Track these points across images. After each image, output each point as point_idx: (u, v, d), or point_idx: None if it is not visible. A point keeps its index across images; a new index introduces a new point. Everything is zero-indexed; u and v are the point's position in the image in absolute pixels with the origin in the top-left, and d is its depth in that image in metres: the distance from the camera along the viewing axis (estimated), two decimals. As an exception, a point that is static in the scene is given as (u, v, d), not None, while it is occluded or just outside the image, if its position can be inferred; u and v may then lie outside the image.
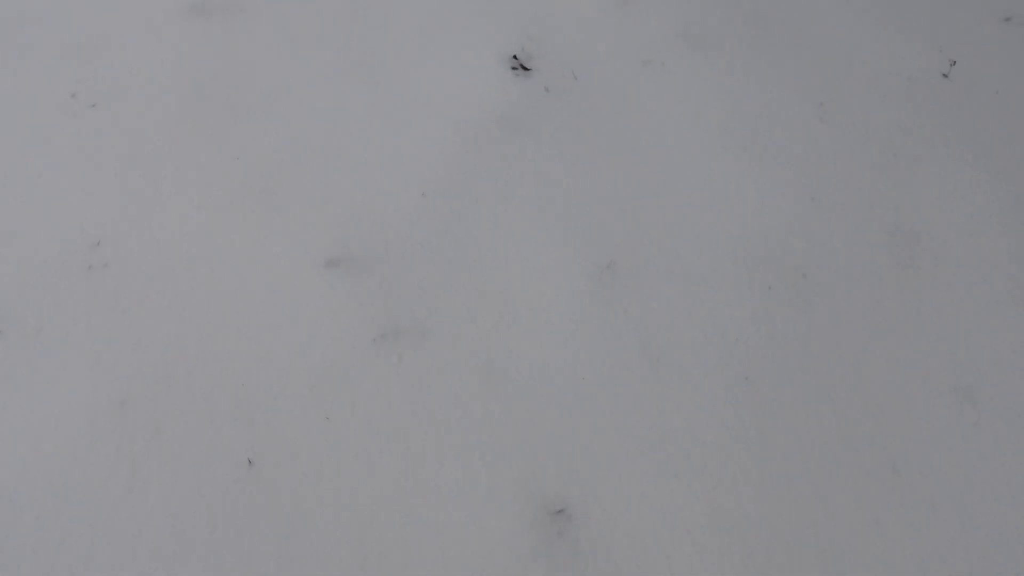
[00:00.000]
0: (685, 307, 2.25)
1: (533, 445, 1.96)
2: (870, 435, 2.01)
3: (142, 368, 2.06)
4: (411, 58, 2.94)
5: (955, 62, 3.04)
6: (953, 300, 2.28)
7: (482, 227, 2.41)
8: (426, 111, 2.73)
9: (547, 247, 2.37)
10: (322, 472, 1.90)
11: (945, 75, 3.00)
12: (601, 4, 3.26)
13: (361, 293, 2.23)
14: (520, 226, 2.43)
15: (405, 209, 2.45)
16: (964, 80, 2.99)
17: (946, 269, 2.37)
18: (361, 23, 3.07)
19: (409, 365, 2.10)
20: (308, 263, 2.29)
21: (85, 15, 3.03)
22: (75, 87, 2.82)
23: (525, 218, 2.45)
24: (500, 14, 3.15)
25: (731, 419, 2.02)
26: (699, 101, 2.89)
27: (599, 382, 2.08)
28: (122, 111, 2.69)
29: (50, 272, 2.24)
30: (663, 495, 1.90)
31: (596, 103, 2.84)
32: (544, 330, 2.17)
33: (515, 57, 2.97)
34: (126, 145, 2.57)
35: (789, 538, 1.85)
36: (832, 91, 2.95)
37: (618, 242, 2.40)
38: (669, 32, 3.17)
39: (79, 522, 1.81)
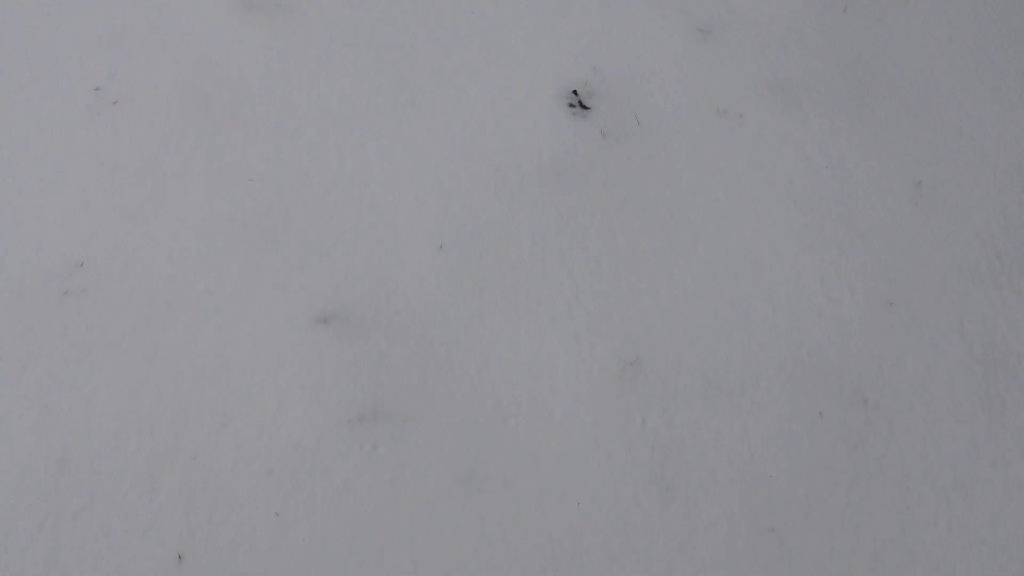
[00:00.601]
0: (713, 425, 1.89)
1: (508, 582, 1.65)
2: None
3: (89, 423, 1.82)
4: (458, 85, 2.61)
5: (1087, 152, 2.56)
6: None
7: (498, 296, 2.09)
8: (463, 150, 2.41)
9: (568, 330, 2.04)
10: (257, 583, 1.62)
11: (1072, 166, 2.53)
12: (681, 37, 2.86)
13: (347, 361, 1.94)
14: (543, 300, 2.10)
15: (417, 262, 2.14)
16: (1095, 175, 2.51)
17: (1044, 416, 1.95)
18: (411, 39, 2.76)
19: (383, 458, 1.80)
20: (298, 317, 2.01)
21: (127, 3, 2.79)
22: (102, 81, 2.59)
23: (551, 290, 2.12)
24: (566, 41, 2.79)
25: (746, 582, 1.67)
26: (774, 164, 2.49)
27: (597, 511, 1.75)
28: (143, 113, 2.46)
29: (24, 293, 2.02)
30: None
31: (656, 155, 2.47)
32: (544, 436, 1.85)
33: (575, 93, 2.62)
34: (138, 153, 2.35)
35: None
36: (933, 169, 2.50)
37: (650, 332, 2.05)
38: (754, 77, 2.76)
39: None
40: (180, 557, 1.66)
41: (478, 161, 2.41)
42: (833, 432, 1.89)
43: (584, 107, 2.60)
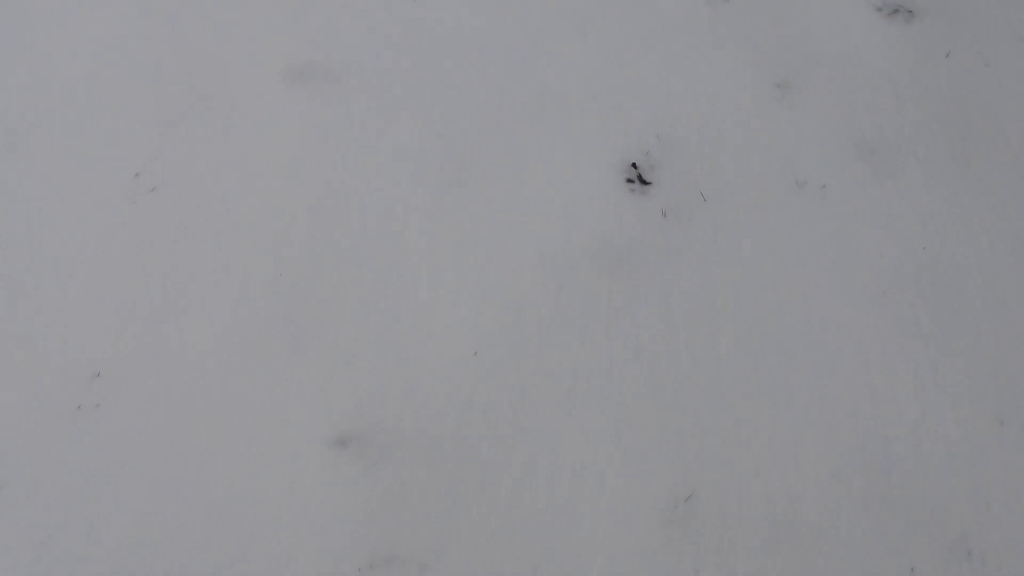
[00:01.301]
0: (782, 582, 1.57)
1: None
2: None
3: (86, 562, 1.65)
4: (507, 159, 2.38)
5: None
6: None
7: (537, 414, 1.83)
8: (508, 236, 2.17)
9: (614, 458, 1.77)
10: None
11: None
12: (755, 95, 2.54)
13: (364, 493, 1.73)
14: (587, 419, 1.83)
15: (449, 370, 1.91)
16: None
17: None
18: (461, 106, 2.55)
19: (396, 615, 1.56)
20: (315, 439, 1.81)
21: (179, 74, 2.67)
22: (144, 164, 2.46)
23: (596, 407, 1.85)
24: (627, 104, 2.51)
25: None
26: (862, 246, 2.15)
27: None
28: (180, 201, 2.31)
29: (38, 407, 1.88)
30: None
31: (723, 239, 2.16)
32: (580, 594, 1.57)
33: (634, 166, 2.33)
34: (170, 246, 2.20)
35: None
36: (1055, 249, 2.10)
37: (708, 460, 1.76)
38: (839, 140, 2.42)
39: None
40: None
41: (523, 249, 2.16)
42: (929, 595, 1.55)
43: (644, 182, 2.31)
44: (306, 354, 1.98)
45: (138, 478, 1.80)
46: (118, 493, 1.78)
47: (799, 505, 1.70)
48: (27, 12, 2.81)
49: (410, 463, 1.78)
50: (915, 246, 2.14)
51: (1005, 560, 1.61)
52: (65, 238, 2.23)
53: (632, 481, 1.75)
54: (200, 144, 2.49)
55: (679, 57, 2.71)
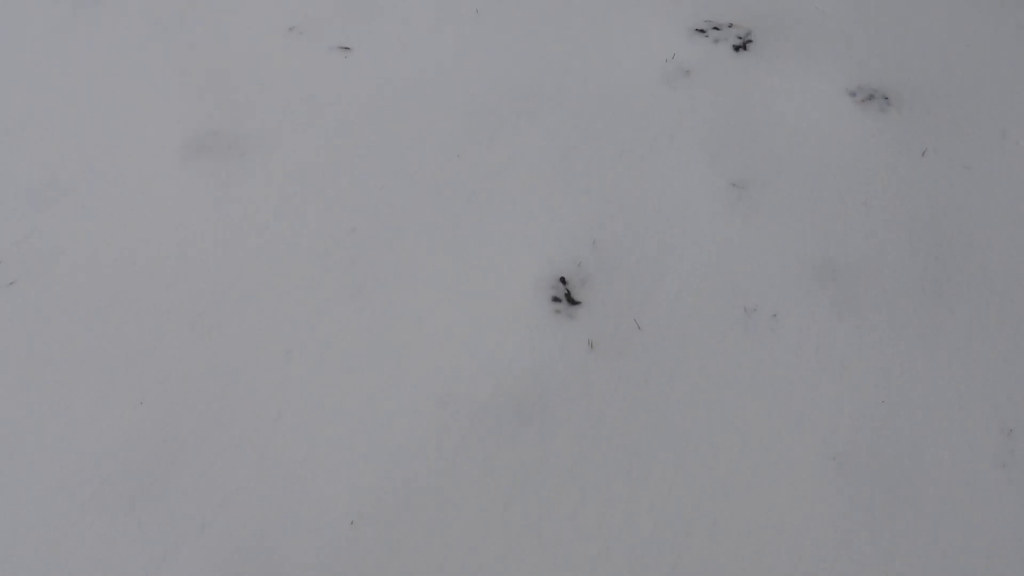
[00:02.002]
0: None
1: None
2: None
3: None
4: (418, 265, 2.07)
5: None
6: None
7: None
8: (404, 369, 1.84)
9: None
10: None
11: None
12: (708, 196, 2.23)
13: None
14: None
15: (317, 546, 1.57)
16: None
17: None
18: (380, 198, 2.25)
19: None
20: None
21: (68, 149, 2.33)
22: (14, 245, 2.11)
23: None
24: (565, 205, 2.20)
25: None
26: (813, 396, 1.84)
27: None
28: (34, 304, 1.97)
29: None
30: None
31: (657, 381, 1.85)
32: None
33: (563, 281, 2.01)
34: (18, 359, 1.84)
35: None
36: (1033, 413, 1.80)
37: None
38: (797, 258, 2.10)
39: None
40: None
41: (420, 388, 1.84)
42: None
43: (572, 302, 1.98)
44: (153, 512, 1.65)
45: None
46: None
47: None
48: None
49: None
50: (874, 399, 1.83)
51: None
52: None
53: None
54: (73, 230, 2.15)
55: (629, 146, 2.38)
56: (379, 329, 1.93)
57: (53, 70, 2.61)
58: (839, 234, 2.16)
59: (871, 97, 2.58)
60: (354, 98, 2.53)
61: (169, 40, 2.74)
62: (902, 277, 2.07)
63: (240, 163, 2.35)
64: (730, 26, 2.83)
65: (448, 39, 2.76)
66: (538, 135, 2.42)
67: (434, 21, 2.83)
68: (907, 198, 2.27)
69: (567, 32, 2.81)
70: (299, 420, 1.78)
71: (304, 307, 1.97)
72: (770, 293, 2.02)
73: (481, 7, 2.93)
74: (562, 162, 2.35)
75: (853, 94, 2.59)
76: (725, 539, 1.62)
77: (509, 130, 2.45)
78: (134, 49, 2.71)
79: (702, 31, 2.81)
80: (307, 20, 2.86)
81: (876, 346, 1.93)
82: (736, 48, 2.75)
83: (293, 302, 1.98)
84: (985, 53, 2.68)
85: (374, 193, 2.25)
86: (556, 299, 1.99)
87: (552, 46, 2.77)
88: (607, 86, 2.60)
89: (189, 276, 2.04)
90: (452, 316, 1.95)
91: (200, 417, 1.78)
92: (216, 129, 2.45)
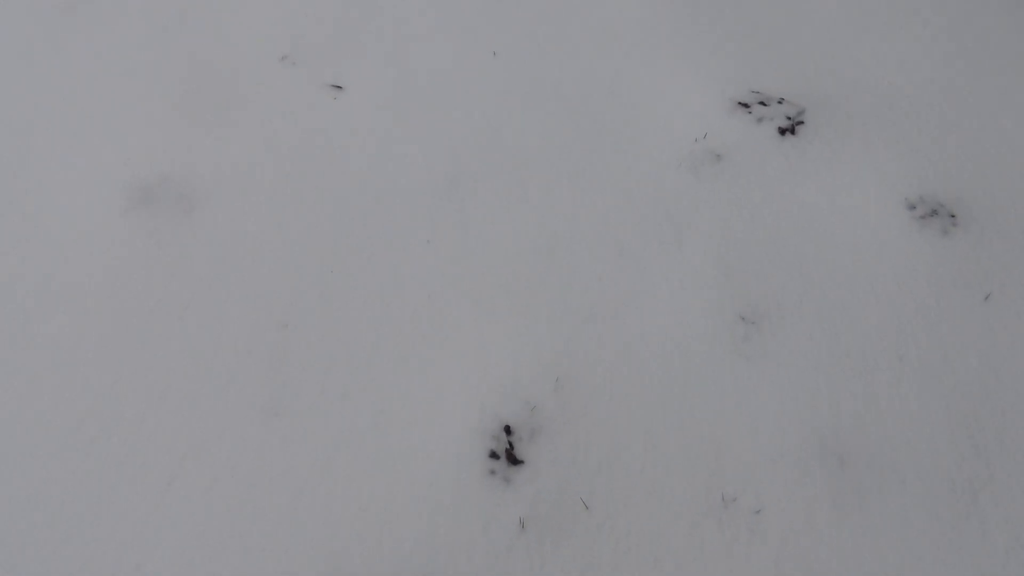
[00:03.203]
0: None
1: None
2: None
3: None
4: (342, 390, 1.70)
5: None
6: None
7: None
8: (289, 531, 1.49)
9: None
10: None
11: None
12: (710, 335, 1.80)
13: None
14: None
15: None
16: None
17: None
18: (318, 293, 1.86)
19: None
20: None
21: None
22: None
23: None
24: (532, 322, 1.81)
25: None
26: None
27: None
28: None
29: None
30: None
31: (594, 583, 1.45)
32: None
33: (507, 431, 1.63)
34: None
35: None
36: None
37: None
38: (800, 430, 1.68)
39: None
40: None
41: (305, 551, 1.49)
42: None
43: (513, 460, 1.60)
44: None
45: None
46: None
47: None
48: None
49: None
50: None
51: None
52: None
53: None
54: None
55: (629, 245, 1.98)
56: (282, 466, 1.58)
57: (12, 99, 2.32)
58: (858, 398, 1.71)
59: (934, 213, 2.09)
60: (330, 155, 2.18)
61: (148, 67, 2.41)
62: (929, 469, 1.61)
63: (183, 221, 2.02)
64: (780, 102, 2.35)
65: (454, 89, 2.36)
66: (523, 219, 2.02)
67: (445, 63, 2.44)
68: (955, 358, 1.80)
69: (590, 87, 2.38)
70: (163, 567, 1.45)
71: (205, 423, 1.63)
72: (757, 477, 1.59)
73: (500, 48, 2.51)
74: (545, 259, 1.95)
75: (913, 206, 2.10)
76: None
77: (490, 208, 2.05)
78: (108, 71, 2.40)
79: (746, 105, 2.34)
80: (303, 48, 2.50)
81: (883, 559, 1.48)
82: (782, 131, 2.28)
83: (193, 415, 1.65)
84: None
85: (318, 279, 1.89)
86: (494, 455, 1.61)
87: (569, 103, 2.35)
88: (620, 164, 2.17)
89: (81, 366, 1.72)
90: (366, 464, 1.58)
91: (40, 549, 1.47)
92: (169, 175, 2.12)
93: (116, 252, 1.95)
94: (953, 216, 2.08)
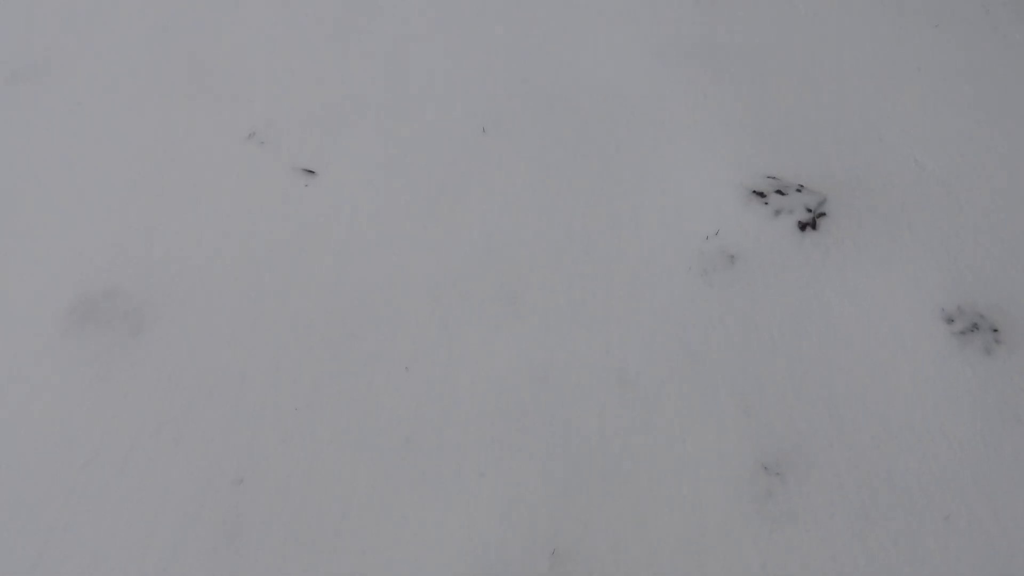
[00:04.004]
0: None
1: None
2: None
3: None
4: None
5: None
6: None
7: None
8: None
9: None
10: None
11: None
12: (726, 510, 1.52)
13: None
14: None
15: None
16: None
17: None
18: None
19: None
20: None
21: None
22: None
23: None
24: (510, 490, 1.52)
25: None
26: None
27: None
28: None
29: None
30: None
31: None
32: None
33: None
34: None
35: None
36: None
37: None
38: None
39: None
40: None
41: None
42: None
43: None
44: None
45: None
46: None
47: None
48: None
49: None
50: None
51: None
52: None
53: None
54: None
55: (639, 392, 1.70)
56: None
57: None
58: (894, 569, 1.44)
59: (974, 327, 1.83)
60: (298, 265, 1.89)
61: (95, 149, 2.13)
62: None
63: (128, 346, 1.75)
64: (799, 189, 2.08)
65: (442, 178, 2.09)
66: (514, 340, 1.76)
67: (432, 143, 2.16)
68: (1008, 516, 1.53)
69: (588, 166, 2.11)
70: None
71: None
72: None
73: (489, 124, 2.24)
74: (539, 390, 1.67)
75: (951, 319, 1.84)
76: None
77: (477, 327, 1.79)
78: (54, 154, 2.13)
79: (761, 195, 2.07)
80: (275, 123, 2.22)
81: None
82: (802, 226, 2.01)
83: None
84: None
85: (281, 418, 1.63)
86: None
87: (564, 188, 2.07)
88: (623, 269, 1.91)
89: (4, 534, 1.45)
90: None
91: None
92: (116, 288, 1.85)
93: (51, 386, 1.67)
94: (995, 331, 1.82)
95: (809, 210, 2.05)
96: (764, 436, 1.63)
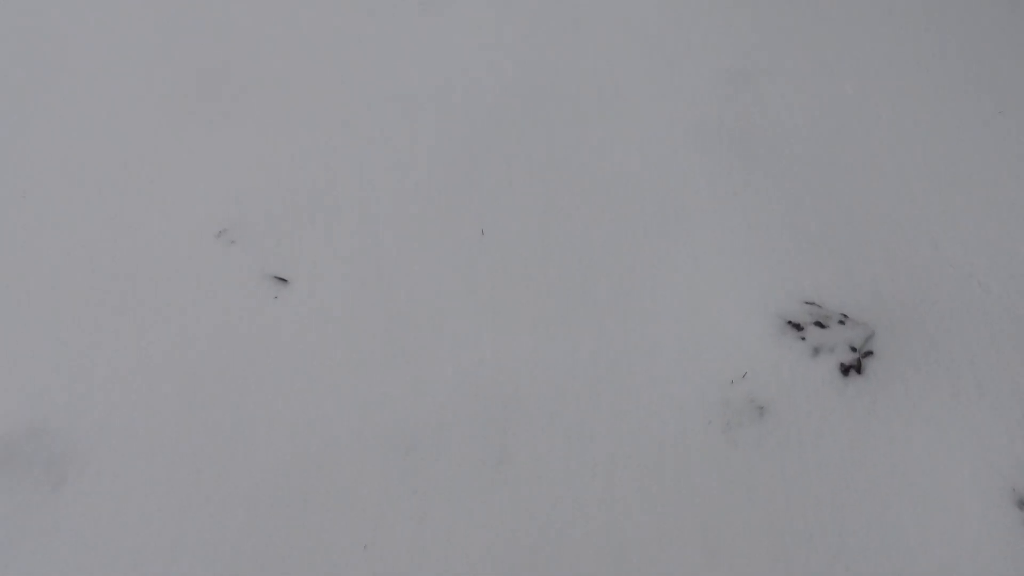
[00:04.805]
0: None
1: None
2: None
3: None
4: None
5: None
6: None
7: None
8: None
9: None
10: None
11: None
12: None
13: None
14: None
15: None
16: None
17: None
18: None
19: None
20: None
21: None
22: None
23: None
24: None
25: None
26: None
27: None
28: None
29: None
30: None
31: None
32: None
33: None
34: None
35: None
36: None
37: None
38: None
39: None
40: None
41: None
42: None
43: None
44: None
45: None
46: None
47: None
48: None
49: None
50: None
51: None
52: None
53: None
54: None
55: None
56: None
57: None
58: None
59: (1056, 516, 1.47)
60: (249, 403, 1.61)
61: (35, 241, 1.86)
62: None
63: (48, 501, 1.49)
64: (842, 321, 1.74)
65: (427, 294, 1.79)
66: (498, 508, 1.45)
67: (419, 254, 1.87)
68: None
69: (597, 279, 1.80)
70: None
71: None
72: None
73: (488, 224, 1.93)
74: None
75: (1022, 502, 1.49)
76: None
77: (454, 490, 1.48)
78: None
79: (798, 327, 1.73)
80: (247, 219, 1.93)
81: None
82: (845, 369, 1.67)
83: None
84: None
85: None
86: None
87: (567, 308, 1.76)
88: (631, 419, 1.59)
89: None
90: None
91: None
92: (42, 426, 1.56)
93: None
94: (1083, 515, 1.46)
95: (853, 348, 1.71)
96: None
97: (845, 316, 1.76)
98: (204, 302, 1.76)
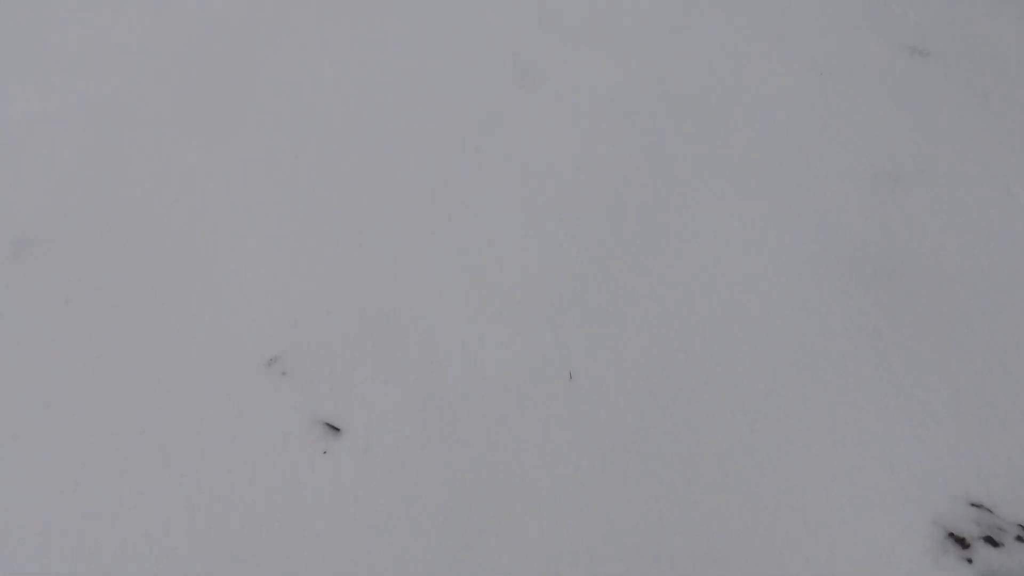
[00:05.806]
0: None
1: None
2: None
3: None
4: None
5: None
6: None
7: None
8: None
9: None
10: None
11: None
12: None
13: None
14: None
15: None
16: None
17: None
18: None
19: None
20: None
21: None
22: None
23: None
24: None
25: None
26: None
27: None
28: None
29: None
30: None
31: None
32: None
33: None
34: None
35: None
36: None
37: None
38: None
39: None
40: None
41: None
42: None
43: None
44: None
45: None
46: None
47: None
48: None
49: None
50: None
51: None
52: None
53: None
54: None
55: None
56: None
57: None
58: None
59: None
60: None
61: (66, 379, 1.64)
62: None
63: None
64: (1020, 538, 1.32)
65: (498, 437, 1.48)
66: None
67: (489, 393, 1.56)
68: None
69: (698, 466, 1.46)
70: None
71: None
72: None
73: (577, 366, 1.61)
74: None
75: None
76: None
77: None
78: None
79: (961, 542, 1.34)
80: (301, 347, 1.66)
81: None
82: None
83: None
84: None
85: None
86: None
87: (674, 510, 1.41)
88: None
89: None
90: None
91: None
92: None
93: None
94: None
95: (1036, 581, 1.29)
96: None
97: (1023, 528, 1.35)
98: (245, 452, 1.49)
